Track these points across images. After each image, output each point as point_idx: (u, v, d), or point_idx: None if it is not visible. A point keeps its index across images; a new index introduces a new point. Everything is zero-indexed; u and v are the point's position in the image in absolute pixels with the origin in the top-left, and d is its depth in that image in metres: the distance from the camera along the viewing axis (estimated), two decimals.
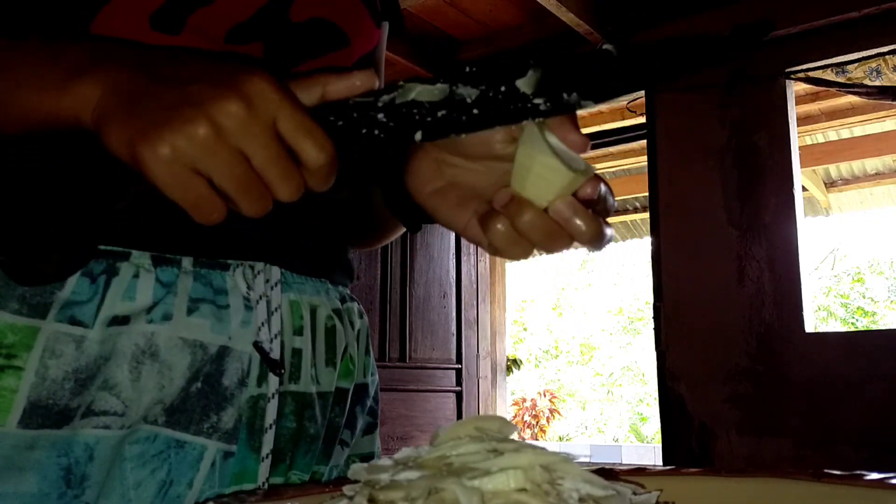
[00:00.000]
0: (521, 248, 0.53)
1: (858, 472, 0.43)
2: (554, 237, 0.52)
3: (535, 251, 0.54)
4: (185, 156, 0.43)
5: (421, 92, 0.47)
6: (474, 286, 5.03)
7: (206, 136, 0.44)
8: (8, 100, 0.51)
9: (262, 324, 0.65)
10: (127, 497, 0.59)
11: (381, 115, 0.47)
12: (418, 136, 0.47)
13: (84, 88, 0.48)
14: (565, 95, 0.46)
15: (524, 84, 0.46)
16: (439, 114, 0.46)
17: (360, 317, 0.79)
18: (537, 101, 0.46)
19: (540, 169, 0.49)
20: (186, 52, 0.50)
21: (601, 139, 4.66)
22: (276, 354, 0.65)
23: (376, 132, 0.47)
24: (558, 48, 3.98)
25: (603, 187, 0.52)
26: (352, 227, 0.80)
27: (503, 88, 0.46)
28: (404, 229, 0.75)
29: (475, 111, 0.46)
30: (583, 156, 0.51)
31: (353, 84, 0.48)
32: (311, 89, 0.48)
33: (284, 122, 0.45)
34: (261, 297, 0.66)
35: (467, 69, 0.47)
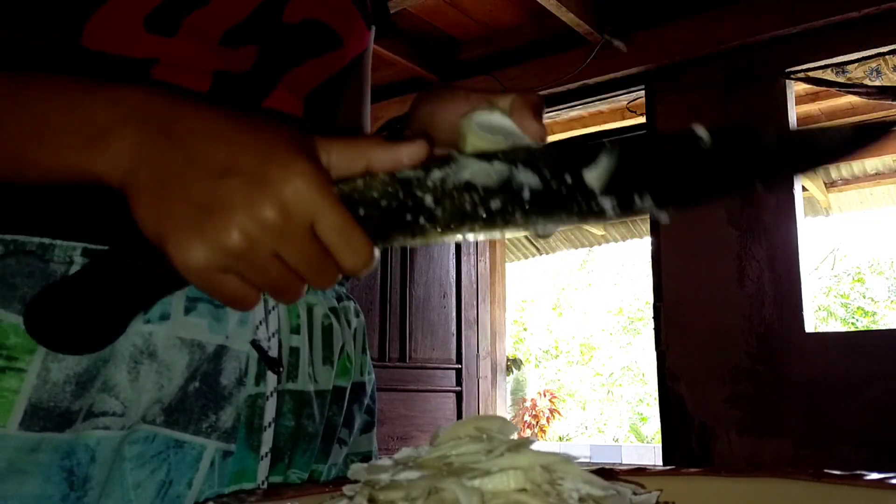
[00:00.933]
0: None
1: (858, 472, 0.43)
2: None
3: None
4: (218, 263, 0.43)
5: (477, 172, 0.41)
6: (474, 286, 5.03)
7: (239, 246, 0.42)
8: (27, 154, 0.49)
9: (260, 322, 0.65)
10: (127, 498, 0.59)
11: (428, 199, 0.42)
12: (469, 235, 0.42)
13: (110, 156, 0.46)
14: (637, 200, 0.39)
15: (593, 176, 0.40)
16: (493, 205, 0.41)
17: (357, 315, 0.79)
18: (604, 200, 0.40)
19: (472, 145, 0.47)
20: (217, 113, 0.46)
21: (601, 139, 4.65)
22: (273, 353, 0.66)
23: (421, 220, 0.43)
24: (556, 45, 3.98)
25: None
26: None
27: (568, 180, 0.40)
28: None
29: (533, 206, 0.40)
30: None
31: (401, 160, 0.45)
32: (355, 161, 0.46)
33: (322, 224, 0.44)
34: None
35: (531, 147, 0.42)
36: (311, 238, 0.44)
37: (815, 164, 0.37)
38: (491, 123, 0.48)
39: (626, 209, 0.40)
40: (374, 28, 0.84)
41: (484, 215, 0.41)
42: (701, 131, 0.37)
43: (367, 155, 0.46)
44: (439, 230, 0.43)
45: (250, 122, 0.45)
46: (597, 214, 0.41)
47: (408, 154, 0.45)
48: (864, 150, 0.37)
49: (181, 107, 0.47)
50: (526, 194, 0.41)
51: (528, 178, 0.41)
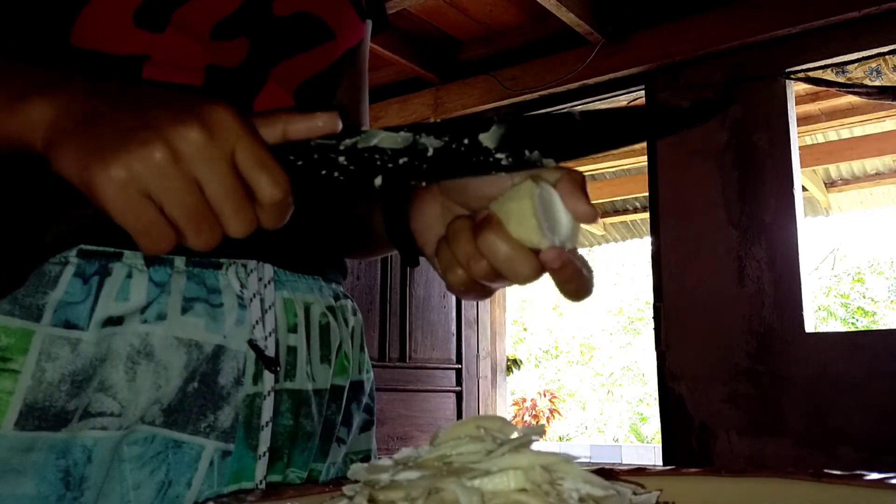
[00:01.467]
0: (460, 279, 0.53)
1: (858, 472, 0.43)
2: (488, 274, 0.51)
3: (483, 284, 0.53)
4: (140, 179, 0.42)
5: (384, 139, 0.47)
6: None
7: (163, 161, 0.42)
8: None
9: (257, 322, 0.65)
10: (126, 498, 0.59)
11: (341, 158, 0.46)
12: (378, 180, 0.47)
13: (34, 110, 0.46)
14: (527, 152, 0.47)
15: (487, 139, 0.47)
16: (401, 161, 0.47)
17: (355, 314, 0.79)
18: (499, 155, 0.47)
19: (517, 221, 0.49)
20: (146, 83, 0.48)
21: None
22: (271, 352, 0.65)
23: (336, 174, 0.47)
24: (556, 45, 3.98)
25: (571, 266, 0.50)
26: (344, 233, 0.80)
27: (466, 141, 0.47)
28: (396, 251, 0.75)
29: (437, 161, 0.47)
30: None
31: (316, 125, 0.47)
32: (273, 126, 0.47)
33: (243, 154, 0.44)
34: (254, 296, 0.66)
35: (431, 121, 0.48)
36: (231, 168, 0.44)
37: (652, 133, 0.47)
38: (544, 202, 0.49)
39: (518, 161, 0.47)
40: (369, 22, 0.84)
41: (391, 169, 0.47)
42: (574, 112, 0.47)
43: (284, 120, 0.47)
44: (353, 185, 0.47)
45: (176, 86, 0.47)
46: (492, 166, 0.47)
47: (322, 120, 0.47)
48: (702, 122, 0.47)
49: (108, 76, 0.49)
50: (430, 153, 0.47)
51: (430, 142, 0.47)
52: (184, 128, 0.43)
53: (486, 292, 0.54)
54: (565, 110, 0.47)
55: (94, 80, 0.48)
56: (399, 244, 0.66)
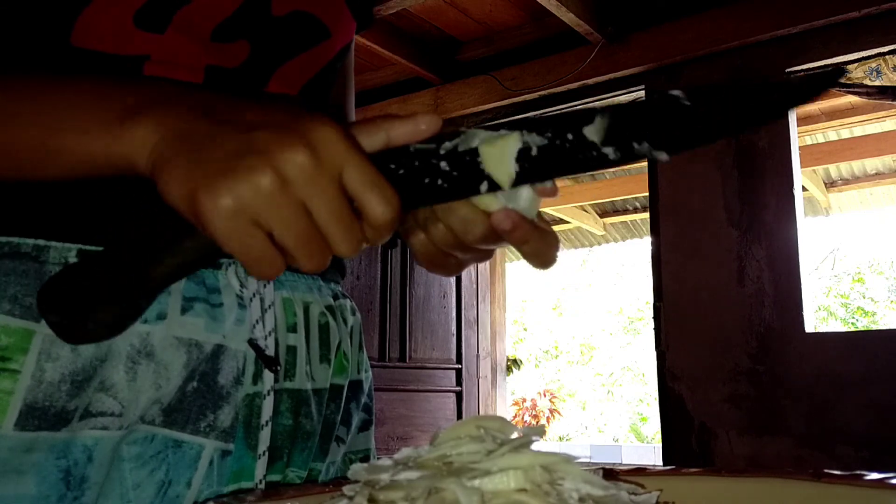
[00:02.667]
0: (423, 244, 0.53)
1: (858, 472, 0.43)
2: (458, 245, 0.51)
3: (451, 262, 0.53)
4: (248, 208, 0.42)
5: (485, 138, 0.45)
6: (474, 286, 5.03)
7: (271, 188, 0.42)
8: (49, 142, 0.49)
9: (257, 321, 0.65)
10: (126, 498, 0.59)
11: (443, 164, 0.45)
12: (483, 186, 0.45)
13: (140, 131, 0.46)
14: (636, 145, 0.44)
15: (591, 132, 0.44)
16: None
17: (353, 314, 0.79)
18: (606, 149, 0.44)
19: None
20: (241, 97, 0.48)
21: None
22: (270, 351, 0.66)
23: (440, 182, 0.45)
24: (556, 45, 3.98)
25: (522, 227, 0.50)
26: None
27: (570, 136, 0.45)
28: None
29: (542, 160, 0.45)
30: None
31: (419, 128, 0.47)
32: (375, 135, 0.47)
33: (351, 174, 0.44)
34: (254, 295, 0.66)
35: (533, 116, 0.46)
36: (339, 190, 0.44)
37: (774, 112, 0.44)
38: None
39: (627, 155, 0.45)
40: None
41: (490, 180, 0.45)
42: (678, 93, 0.43)
43: (385, 128, 0.47)
44: (458, 192, 0.46)
45: (269, 96, 0.46)
46: (601, 160, 0.45)
47: (425, 123, 0.47)
48: (814, 97, 0.43)
49: (202, 90, 0.49)
50: (534, 151, 0.44)
51: (534, 140, 0.44)
52: (290, 152, 0.42)
53: (453, 265, 0.54)
54: (671, 93, 0.43)
55: (194, 92, 0.48)
56: None
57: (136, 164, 0.46)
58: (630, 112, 0.44)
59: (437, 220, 0.51)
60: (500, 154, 0.45)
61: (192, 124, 0.45)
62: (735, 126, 0.44)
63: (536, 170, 0.45)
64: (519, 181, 0.45)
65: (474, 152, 0.45)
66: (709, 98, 0.44)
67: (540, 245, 0.51)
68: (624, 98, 4.03)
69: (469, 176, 0.45)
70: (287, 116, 0.44)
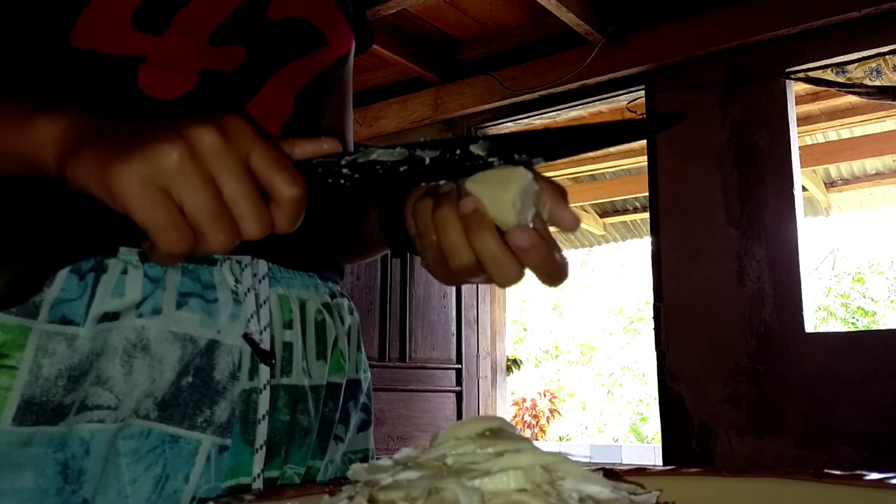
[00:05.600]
0: (444, 268, 0.54)
1: (858, 472, 0.43)
2: (469, 266, 0.52)
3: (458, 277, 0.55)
4: (160, 175, 0.43)
5: (382, 153, 0.49)
6: (474, 286, 5.02)
7: (182, 158, 0.43)
8: None
9: (251, 316, 0.66)
10: (124, 493, 0.59)
11: (345, 170, 0.49)
12: (389, 187, 0.49)
13: (45, 127, 0.47)
14: (516, 155, 0.50)
15: (477, 148, 0.50)
16: (401, 168, 0.49)
17: (351, 313, 0.80)
18: (491, 159, 0.50)
19: (494, 203, 0.51)
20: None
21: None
22: (265, 346, 0.66)
23: (342, 181, 0.49)
24: (556, 45, 3.98)
25: (541, 245, 0.52)
26: (338, 233, 0.80)
27: (458, 151, 0.50)
28: (388, 251, 0.76)
29: (433, 167, 0.50)
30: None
31: (321, 147, 0.49)
32: (283, 146, 0.49)
33: (259, 156, 0.45)
34: (248, 291, 0.66)
35: (422, 140, 0.51)
36: (247, 170, 0.45)
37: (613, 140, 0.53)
38: (524, 191, 0.52)
39: (509, 162, 0.50)
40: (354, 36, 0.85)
41: (392, 174, 0.49)
42: (549, 128, 0.51)
43: (290, 144, 0.49)
44: (359, 190, 0.50)
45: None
46: (485, 166, 0.50)
47: (328, 143, 0.50)
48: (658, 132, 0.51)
49: (104, 108, 0.50)
50: (427, 161, 0.50)
51: (426, 154, 0.50)
52: (201, 129, 0.44)
53: (460, 279, 0.55)
54: (543, 130, 0.52)
55: (100, 106, 0.49)
56: (389, 233, 0.67)
57: (43, 158, 0.47)
58: (508, 136, 0.51)
59: (467, 249, 0.52)
60: (500, 195, 0.50)
61: (99, 120, 0.47)
62: (583, 147, 0.52)
63: (428, 173, 0.50)
64: (406, 181, 0.50)
65: (373, 162, 0.49)
66: (567, 132, 0.51)
67: (553, 268, 0.53)
68: (623, 98, 4.03)
69: (368, 177, 0.49)
70: (198, 114, 0.46)
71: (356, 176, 0.49)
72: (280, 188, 0.46)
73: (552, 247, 0.52)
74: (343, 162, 0.49)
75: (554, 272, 0.53)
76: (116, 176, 0.43)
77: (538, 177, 0.53)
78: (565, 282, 0.54)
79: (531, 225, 0.52)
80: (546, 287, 0.55)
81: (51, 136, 0.47)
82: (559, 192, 0.53)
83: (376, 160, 0.49)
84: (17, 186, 0.54)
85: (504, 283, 0.52)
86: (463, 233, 0.52)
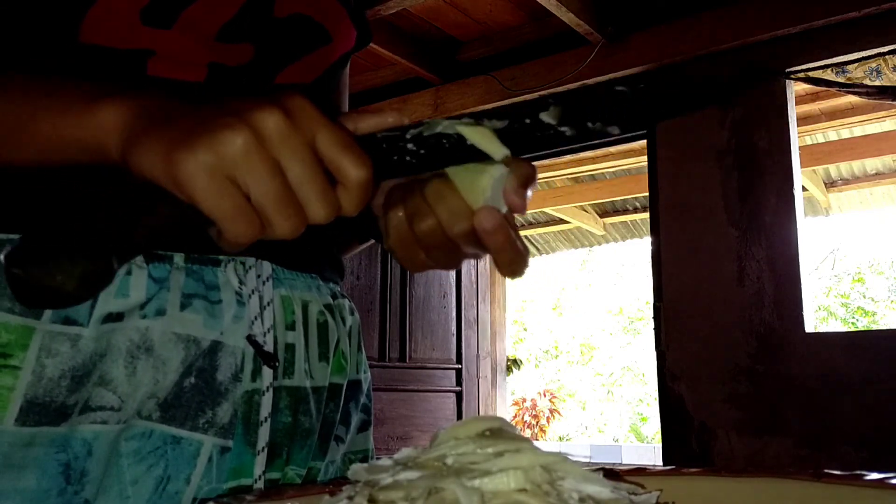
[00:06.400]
0: (411, 250, 0.53)
1: (858, 472, 0.43)
2: (441, 247, 0.52)
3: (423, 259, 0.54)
4: (226, 163, 0.42)
5: (447, 126, 0.47)
6: (474, 286, 5.03)
7: (247, 144, 0.42)
8: (26, 125, 0.50)
9: (255, 318, 0.66)
10: (125, 494, 0.59)
11: (410, 146, 0.48)
12: (456, 159, 0.48)
13: (108, 113, 0.47)
14: (590, 124, 0.48)
15: (548, 116, 0.48)
16: (468, 142, 0.48)
17: (352, 313, 0.80)
18: (563, 128, 0.48)
19: (468, 188, 0.51)
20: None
21: (601, 139, 4.66)
22: (269, 348, 0.66)
23: (408, 158, 0.48)
24: (556, 45, 3.98)
25: (504, 230, 0.51)
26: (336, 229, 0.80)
27: (528, 121, 0.48)
28: (366, 245, 0.75)
29: (504, 138, 0.48)
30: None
31: (386, 120, 0.49)
32: (345, 123, 0.48)
33: (325, 138, 0.45)
34: (252, 292, 0.66)
35: (491, 109, 0.49)
36: (313, 152, 0.45)
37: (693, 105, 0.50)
38: (496, 182, 0.51)
39: (582, 132, 0.48)
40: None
41: (459, 150, 0.48)
42: (622, 88, 0.48)
43: (354, 119, 0.49)
44: (425, 166, 0.49)
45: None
46: (558, 138, 0.48)
47: (392, 116, 0.49)
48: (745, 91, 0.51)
49: (170, 92, 0.49)
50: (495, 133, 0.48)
51: (494, 124, 0.48)
52: (266, 113, 0.43)
53: (419, 260, 0.54)
54: (616, 88, 0.49)
55: (164, 91, 0.49)
56: (364, 223, 0.67)
57: (107, 146, 0.47)
58: (580, 98, 0.48)
59: (427, 209, 0.51)
60: (481, 133, 0.48)
61: (163, 106, 0.46)
62: (664, 112, 0.50)
63: (514, 144, 0.48)
64: (475, 155, 0.48)
65: (438, 136, 0.47)
66: (642, 87, 0.49)
67: (514, 255, 0.52)
68: None
69: (435, 152, 0.48)
70: (262, 95, 0.46)
71: (421, 151, 0.47)
72: (348, 170, 0.45)
73: (515, 234, 0.52)
74: (408, 136, 0.48)
75: (513, 259, 0.52)
76: (181, 165, 0.42)
77: (511, 160, 0.52)
78: (524, 274, 0.54)
79: (501, 209, 0.52)
80: (506, 277, 0.54)
81: (113, 124, 0.46)
82: (523, 177, 0.52)
83: (442, 133, 0.47)
84: (84, 177, 0.53)
85: (454, 233, 0.51)
86: (434, 209, 0.51)
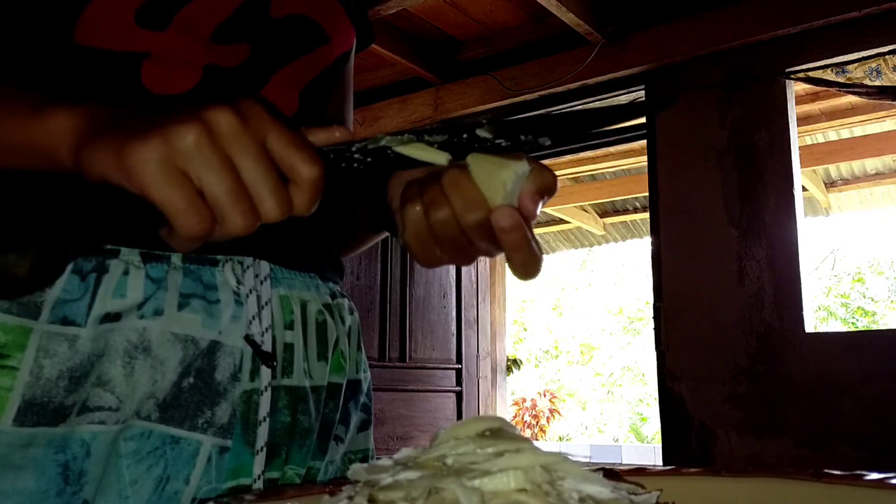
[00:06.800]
0: (426, 243, 0.54)
1: (858, 472, 0.43)
2: (457, 244, 0.52)
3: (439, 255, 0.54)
4: (178, 155, 0.43)
5: (391, 140, 0.49)
6: (474, 286, 5.03)
7: (200, 138, 0.43)
8: None
9: (253, 317, 0.66)
10: (124, 494, 0.59)
11: (357, 155, 0.49)
12: (393, 166, 0.50)
13: (61, 117, 0.48)
14: (522, 136, 0.50)
15: (484, 131, 0.50)
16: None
17: (351, 313, 0.80)
18: (498, 140, 0.50)
19: (488, 183, 0.51)
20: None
21: (601, 139, 4.65)
22: (267, 347, 0.66)
23: (354, 165, 0.49)
24: (556, 45, 3.98)
25: (521, 230, 0.51)
26: (335, 227, 0.81)
27: (465, 136, 0.50)
28: (376, 240, 0.75)
29: (443, 149, 0.50)
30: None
31: (333, 135, 0.50)
32: None
33: (276, 137, 0.46)
34: (251, 292, 0.66)
35: (429, 126, 0.52)
36: (265, 152, 0.45)
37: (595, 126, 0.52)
38: (516, 181, 0.52)
39: (516, 143, 0.50)
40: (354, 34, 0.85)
41: (402, 161, 0.50)
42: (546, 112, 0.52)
43: (303, 132, 0.49)
44: (370, 170, 0.50)
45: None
46: (493, 148, 0.50)
47: (340, 132, 0.50)
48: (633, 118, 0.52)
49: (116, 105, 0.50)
50: (435, 146, 0.50)
51: (434, 139, 0.50)
52: (219, 112, 0.44)
53: (435, 256, 0.55)
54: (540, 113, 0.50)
55: (111, 102, 0.50)
56: (370, 206, 0.67)
57: (58, 149, 0.48)
58: (513, 120, 0.51)
59: (443, 199, 0.52)
60: (419, 149, 0.50)
61: (112, 111, 0.47)
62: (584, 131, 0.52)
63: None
64: (416, 162, 0.50)
65: (382, 147, 0.49)
66: (568, 116, 0.51)
67: (528, 256, 0.52)
68: (623, 98, 4.03)
69: (379, 160, 0.50)
70: (213, 101, 0.46)
71: (368, 160, 0.49)
72: (299, 168, 0.46)
73: (531, 234, 0.52)
74: (354, 148, 0.49)
75: (527, 260, 0.52)
76: (134, 156, 0.43)
77: (534, 164, 0.53)
78: (536, 276, 0.54)
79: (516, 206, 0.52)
80: (518, 279, 0.54)
81: (65, 127, 0.47)
82: (541, 183, 0.52)
83: (385, 146, 0.49)
84: (37, 176, 0.54)
85: (469, 225, 0.51)
86: (451, 203, 0.52)
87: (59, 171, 0.48)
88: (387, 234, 0.78)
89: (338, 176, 0.49)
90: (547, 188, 0.52)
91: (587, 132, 0.52)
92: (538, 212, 0.52)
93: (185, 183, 0.44)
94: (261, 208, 0.46)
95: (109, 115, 0.47)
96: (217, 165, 0.44)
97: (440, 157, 0.50)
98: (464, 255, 0.54)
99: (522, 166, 0.51)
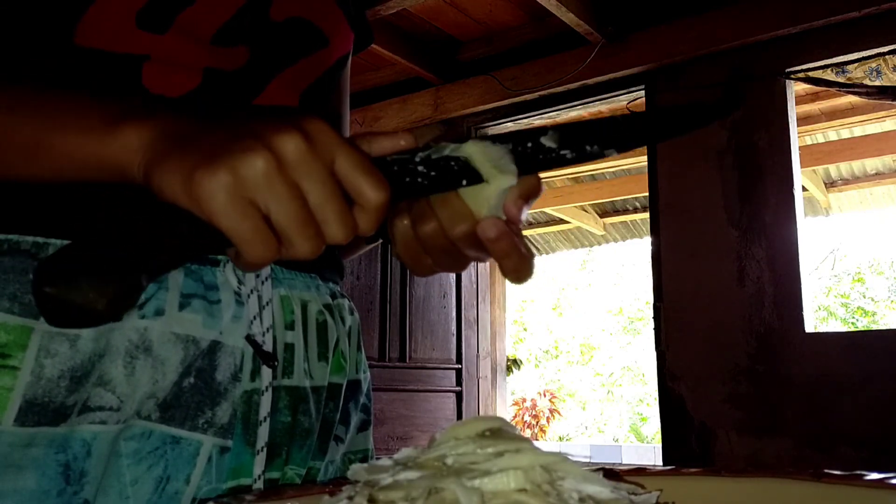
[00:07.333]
0: (416, 255, 0.54)
1: (858, 472, 0.43)
2: (446, 252, 0.53)
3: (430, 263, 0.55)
4: (246, 184, 0.43)
5: (455, 149, 0.49)
6: (474, 286, 5.02)
7: (267, 166, 0.43)
8: (45, 141, 0.50)
9: (254, 317, 0.66)
10: (125, 494, 0.59)
11: (420, 168, 0.49)
12: (464, 182, 0.50)
13: (131, 132, 0.47)
14: (588, 147, 0.50)
15: (548, 140, 0.50)
16: (474, 166, 0.50)
17: (351, 313, 0.80)
18: (563, 151, 0.50)
19: (474, 196, 0.51)
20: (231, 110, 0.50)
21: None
22: (268, 347, 0.66)
23: (418, 179, 0.49)
24: (556, 45, 3.99)
25: (508, 238, 0.52)
26: None
27: (530, 144, 0.50)
28: (372, 245, 0.75)
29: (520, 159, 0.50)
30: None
31: (398, 143, 0.50)
32: (359, 145, 0.49)
33: (343, 160, 0.45)
34: (252, 292, 0.66)
35: (493, 135, 0.51)
36: (332, 175, 0.45)
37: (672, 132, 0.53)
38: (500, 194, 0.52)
39: (581, 154, 0.51)
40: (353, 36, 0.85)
41: (466, 172, 0.50)
42: (617, 116, 0.52)
43: (368, 141, 0.50)
44: (435, 188, 0.50)
45: (262, 110, 0.48)
46: (558, 160, 0.51)
47: (405, 139, 0.50)
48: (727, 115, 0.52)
49: (184, 112, 0.50)
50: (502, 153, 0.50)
51: (497, 148, 0.50)
52: (286, 136, 0.44)
53: (426, 265, 0.55)
54: (611, 117, 0.52)
55: (176, 105, 0.50)
56: None
57: (128, 167, 0.47)
58: (577, 125, 0.51)
59: (430, 212, 0.52)
60: (483, 153, 0.50)
61: (184, 125, 0.47)
62: (658, 135, 0.53)
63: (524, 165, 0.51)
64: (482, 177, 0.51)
65: (447, 158, 0.49)
66: (638, 117, 0.52)
67: (519, 262, 0.52)
68: (623, 98, 4.03)
69: (445, 174, 0.49)
70: (280, 115, 0.46)
71: (432, 173, 0.49)
72: (367, 193, 0.46)
73: (519, 240, 0.52)
74: (417, 159, 0.49)
75: (518, 265, 0.52)
76: (202, 186, 0.42)
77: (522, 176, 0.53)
78: (530, 279, 0.54)
79: (503, 218, 0.52)
80: (512, 283, 0.55)
81: (136, 145, 0.47)
82: (526, 192, 0.53)
83: (450, 156, 0.49)
84: (106, 195, 0.54)
85: (454, 236, 0.51)
86: (439, 218, 0.52)
87: (129, 185, 0.48)
88: (380, 241, 0.78)
89: (402, 193, 0.49)
90: (532, 193, 0.52)
91: (658, 137, 0.52)
92: (524, 216, 0.53)
93: (253, 212, 0.43)
94: (327, 232, 0.46)
95: (180, 129, 0.47)
96: (284, 194, 0.44)
97: (506, 179, 0.50)
98: (455, 263, 0.55)
99: (508, 180, 0.51)
